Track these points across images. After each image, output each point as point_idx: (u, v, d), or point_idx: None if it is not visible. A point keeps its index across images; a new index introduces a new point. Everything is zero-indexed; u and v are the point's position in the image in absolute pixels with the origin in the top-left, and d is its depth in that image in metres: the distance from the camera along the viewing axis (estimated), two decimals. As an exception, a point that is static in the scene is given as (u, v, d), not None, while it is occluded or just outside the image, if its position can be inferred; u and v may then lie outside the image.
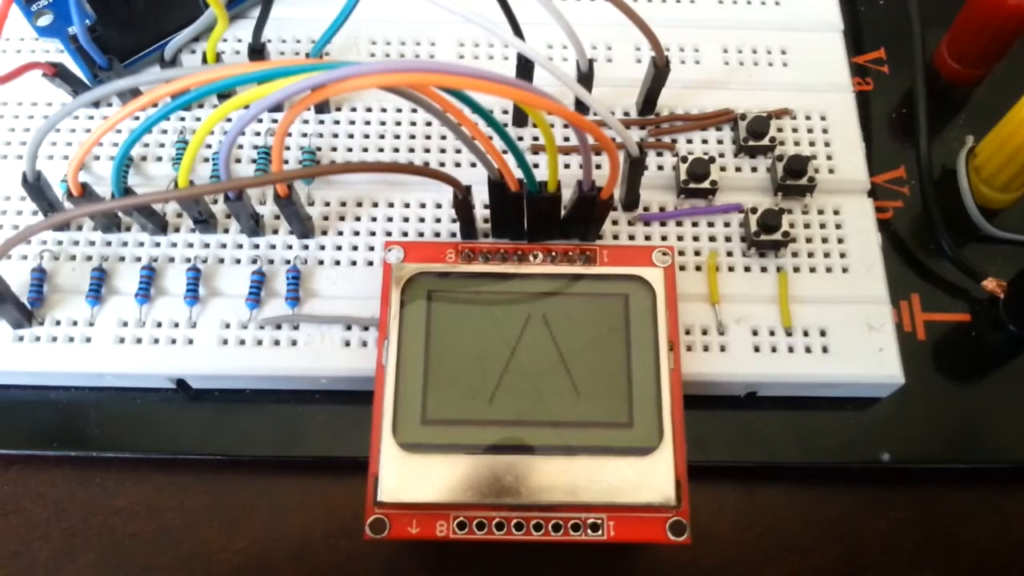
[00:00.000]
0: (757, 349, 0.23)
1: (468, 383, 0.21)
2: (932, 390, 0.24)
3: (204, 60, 0.24)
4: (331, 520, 0.23)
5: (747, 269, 0.24)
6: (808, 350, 0.23)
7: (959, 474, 0.24)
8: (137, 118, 0.25)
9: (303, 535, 0.23)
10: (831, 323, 0.23)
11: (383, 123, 0.25)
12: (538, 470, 0.20)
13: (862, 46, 0.29)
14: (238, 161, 0.25)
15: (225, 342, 0.23)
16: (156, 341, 0.23)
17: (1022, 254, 0.25)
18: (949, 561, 0.23)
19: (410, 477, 0.20)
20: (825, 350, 0.23)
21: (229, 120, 0.25)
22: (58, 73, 0.24)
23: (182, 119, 0.26)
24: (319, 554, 0.23)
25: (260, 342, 0.23)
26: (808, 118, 0.26)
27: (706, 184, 0.24)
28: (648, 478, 0.20)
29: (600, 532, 0.20)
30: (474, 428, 0.21)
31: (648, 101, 0.25)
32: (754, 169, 0.25)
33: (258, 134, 0.25)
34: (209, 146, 0.25)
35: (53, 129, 0.21)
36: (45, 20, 0.26)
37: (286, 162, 0.25)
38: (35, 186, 0.22)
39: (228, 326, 0.23)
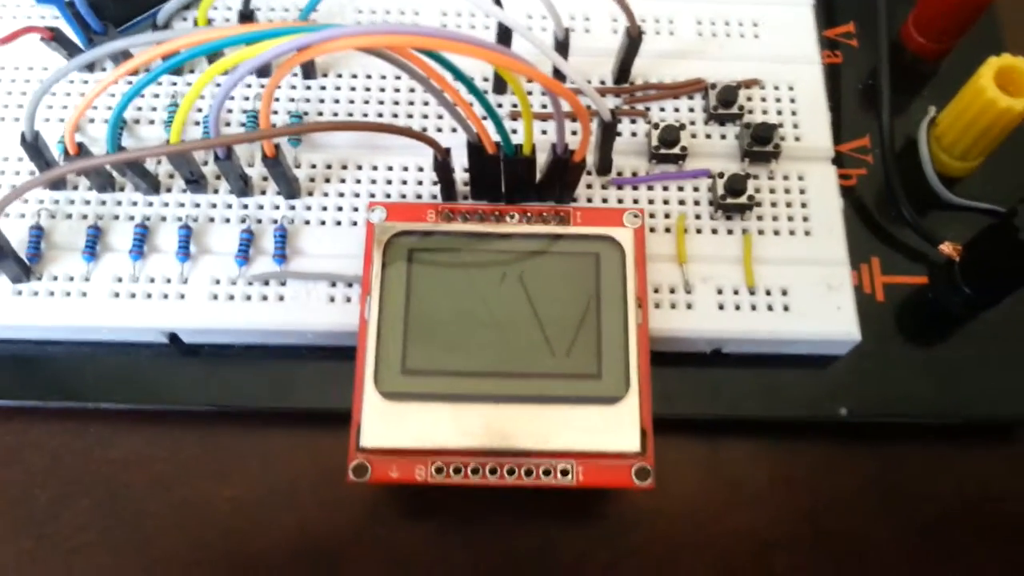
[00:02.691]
0: (722, 307, 0.24)
1: (447, 336, 0.22)
2: (890, 349, 0.25)
3: (195, 25, 0.25)
4: (317, 469, 0.24)
5: (714, 231, 0.25)
6: (770, 308, 0.24)
7: (918, 430, 0.25)
8: (131, 82, 0.26)
9: (291, 483, 0.24)
10: (792, 283, 0.24)
11: (368, 89, 0.26)
12: (512, 418, 0.21)
13: (834, 19, 0.30)
14: (227, 124, 0.26)
15: (215, 297, 0.24)
16: (149, 296, 0.24)
17: (979, 220, 0.26)
18: (906, 514, 0.25)
19: (391, 424, 0.21)
20: (786, 308, 0.24)
21: (219, 85, 0.26)
22: (54, 37, 0.25)
23: (174, 83, 0.26)
24: (306, 501, 0.24)
25: (249, 298, 0.24)
26: (776, 88, 0.27)
27: (676, 150, 0.25)
28: (615, 426, 0.21)
29: (570, 477, 0.21)
30: (452, 378, 0.21)
31: (623, 70, 0.26)
32: (723, 136, 0.26)
33: (247, 99, 0.26)
34: (200, 110, 0.26)
35: (50, 91, 0.21)
36: (41, -13, 0.27)
37: (273, 125, 0.26)
38: (33, 146, 0.23)
39: (218, 282, 0.24)
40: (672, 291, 0.24)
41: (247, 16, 0.25)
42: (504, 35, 0.24)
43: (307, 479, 0.24)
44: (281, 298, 0.24)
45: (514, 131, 0.25)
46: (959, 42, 0.29)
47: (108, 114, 0.26)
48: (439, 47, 0.17)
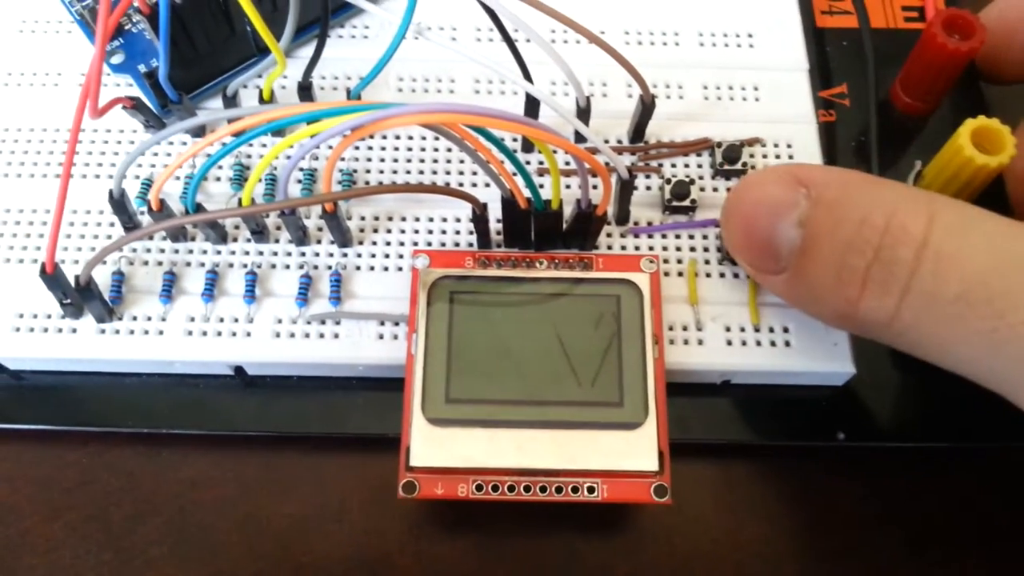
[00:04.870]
0: (730, 343, 0.26)
1: (485, 368, 0.24)
2: (882, 379, 0.27)
3: (260, 96, 0.28)
4: (366, 489, 0.27)
5: (721, 275, 0.27)
6: (773, 344, 0.26)
7: (908, 452, 0.27)
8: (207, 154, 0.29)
9: (342, 501, 0.27)
10: (793, 322, 0.26)
11: (410, 149, 0.29)
12: (543, 441, 0.24)
13: (828, 82, 0.32)
14: (286, 181, 0.29)
15: (278, 335, 0.26)
16: (219, 334, 0.26)
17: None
18: (898, 528, 0.27)
19: (436, 446, 0.23)
20: (788, 344, 0.26)
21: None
22: (135, 106, 0.27)
23: (237, 144, 0.29)
24: (355, 518, 0.26)
25: (307, 335, 0.26)
26: (776, 145, 0.29)
27: (687, 203, 0.27)
28: (636, 449, 0.24)
29: (595, 494, 0.23)
30: (490, 406, 0.24)
31: (637, 131, 0.29)
32: (728, 190, 0.28)
33: (302, 157, 0.29)
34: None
35: (140, 154, 0.24)
36: (118, 59, 0.29)
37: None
38: (119, 202, 0.26)
39: (280, 321, 0.26)
40: (685, 329, 0.26)
41: (305, 88, 0.28)
42: (532, 103, 0.27)
43: (357, 498, 0.27)
44: (336, 335, 0.26)
45: (541, 185, 0.28)
46: (943, 100, 0.31)
47: (176, 171, 0.29)
48: (484, 124, 0.20)
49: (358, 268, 0.27)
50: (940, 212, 0.21)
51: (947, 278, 0.20)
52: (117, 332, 0.26)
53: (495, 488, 0.23)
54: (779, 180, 0.23)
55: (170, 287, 0.27)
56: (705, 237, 0.28)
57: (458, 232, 0.28)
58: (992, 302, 0.19)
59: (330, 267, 0.27)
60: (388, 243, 0.28)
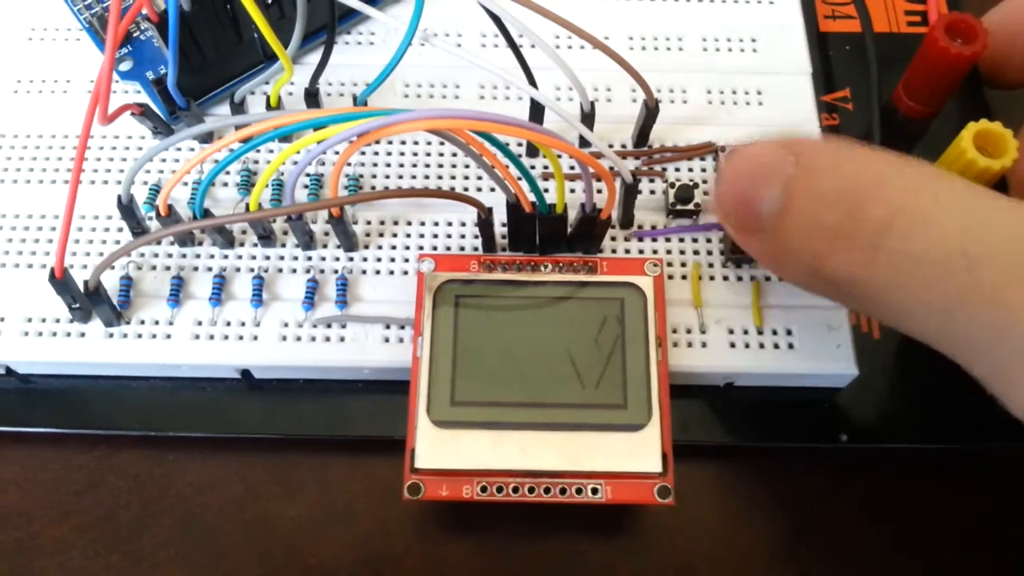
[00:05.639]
0: (733, 346, 0.26)
1: (490, 371, 0.24)
2: (885, 381, 0.27)
3: (268, 103, 0.28)
4: (372, 491, 0.27)
5: (725, 278, 0.27)
6: (776, 346, 0.26)
7: (911, 454, 0.27)
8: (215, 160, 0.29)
9: (348, 503, 0.27)
10: (796, 324, 0.26)
11: (415, 154, 0.29)
12: (548, 443, 0.24)
13: (832, 86, 0.32)
14: (293, 186, 0.29)
15: (284, 338, 0.26)
16: (226, 338, 0.26)
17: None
18: (900, 530, 0.27)
19: (441, 448, 0.24)
20: (791, 346, 0.26)
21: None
22: (143, 112, 0.28)
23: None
24: (361, 519, 0.27)
25: (314, 339, 0.26)
26: (779, 149, 0.30)
27: (691, 206, 0.28)
28: (639, 450, 0.24)
29: (599, 495, 0.23)
30: (495, 408, 0.24)
31: (642, 135, 0.29)
32: (730, 190, 0.29)
33: (309, 163, 0.29)
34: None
35: (149, 160, 0.25)
36: (126, 65, 0.30)
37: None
38: (128, 208, 0.26)
39: (287, 325, 0.26)
40: (689, 331, 0.26)
41: (312, 94, 0.28)
42: (537, 108, 0.27)
43: (362, 500, 0.27)
44: (342, 339, 0.26)
45: (546, 190, 0.28)
46: (946, 104, 0.32)
47: (184, 177, 0.29)
48: (490, 129, 0.20)
49: (364, 272, 0.27)
50: (921, 177, 0.20)
51: (918, 239, 0.20)
52: (125, 336, 0.27)
53: (499, 490, 0.24)
54: (771, 146, 0.23)
55: (178, 291, 0.27)
56: (709, 240, 0.28)
57: (463, 236, 0.28)
58: (969, 269, 0.19)
59: (336, 271, 0.27)
60: (394, 247, 0.28)
